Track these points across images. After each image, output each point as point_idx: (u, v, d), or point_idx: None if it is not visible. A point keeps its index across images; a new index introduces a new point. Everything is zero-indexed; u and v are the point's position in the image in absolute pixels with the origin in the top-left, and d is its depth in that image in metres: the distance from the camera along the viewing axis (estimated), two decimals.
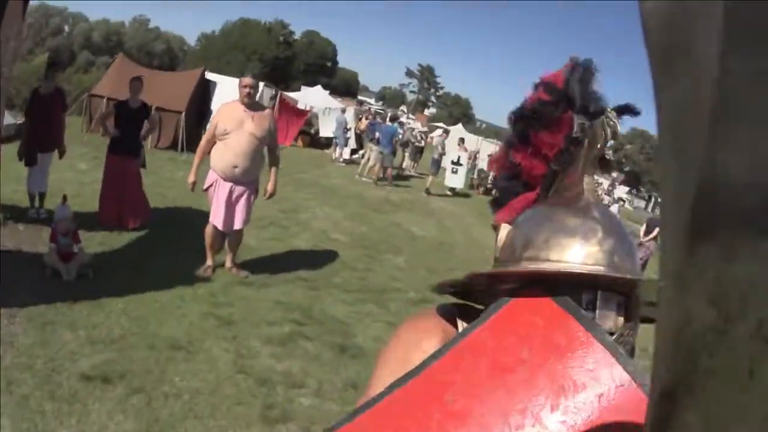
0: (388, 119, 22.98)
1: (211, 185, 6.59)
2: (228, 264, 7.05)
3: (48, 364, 4.43)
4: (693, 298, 0.64)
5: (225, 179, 6.53)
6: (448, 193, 21.64)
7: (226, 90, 20.64)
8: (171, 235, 7.82)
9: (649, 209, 61.17)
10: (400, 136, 22.14)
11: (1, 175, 7.00)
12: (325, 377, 4.93)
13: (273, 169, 7.13)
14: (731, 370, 0.60)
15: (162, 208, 8.82)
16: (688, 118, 0.61)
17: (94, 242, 7.09)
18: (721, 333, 0.61)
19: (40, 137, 7.78)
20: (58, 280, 5.91)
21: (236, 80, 22.79)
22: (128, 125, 7.96)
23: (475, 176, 25.49)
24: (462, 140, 23.60)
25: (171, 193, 9.92)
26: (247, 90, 6.55)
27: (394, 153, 20.66)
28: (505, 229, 1.47)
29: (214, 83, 19.57)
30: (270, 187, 7.10)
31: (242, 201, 6.70)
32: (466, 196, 22.22)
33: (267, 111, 7.10)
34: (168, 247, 7.25)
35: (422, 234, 12.52)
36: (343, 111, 22.66)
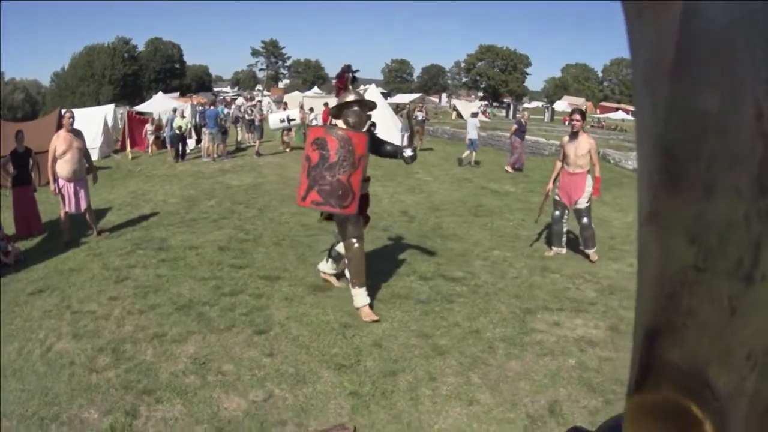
0: (212, 105, 24.54)
1: (62, 187, 10.26)
2: (95, 233, 10.74)
3: None
4: (672, 237, 0.68)
5: (69, 181, 10.28)
6: (281, 149, 24.76)
7: (82, 120, 22.14)
8: (56, 232, 10.91)
9: (510, 117, 61.18)
10: (224, 116, 23.47)
11: None
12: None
13: (91, 167, 11.00)
14: (712, 309, 0.64)
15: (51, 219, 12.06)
16: (657, 57, 0.64)
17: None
18: (701, 271, 0.64)
19: None
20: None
21: (88, 110, 25.53)
22: (21, 165, 11.22)
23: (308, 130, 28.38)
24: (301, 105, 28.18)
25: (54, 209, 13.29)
26: (69, 121, 10.38)
27: (224, 131, 23.05)
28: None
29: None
30: (93, 178, 10.95)
31: (82, 191, 10.51)
32: (300, 148, 25.59)
33: (79, 131, 10.74)
34: (57, 239, 10.53)
35: (237, 183, 16.45)
36: (174, 110, 24.44)
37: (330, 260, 7.83)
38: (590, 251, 9.58)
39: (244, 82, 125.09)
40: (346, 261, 7.20)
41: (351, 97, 6.91)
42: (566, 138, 9.64)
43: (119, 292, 7.70)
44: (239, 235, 10.35)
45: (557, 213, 9.69)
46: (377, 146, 7.08)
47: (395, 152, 7.18)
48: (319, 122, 26.78)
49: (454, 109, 64.03)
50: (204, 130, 22.72)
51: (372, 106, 7.39)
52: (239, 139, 27.78)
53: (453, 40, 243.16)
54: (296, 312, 6.91)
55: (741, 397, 0.64)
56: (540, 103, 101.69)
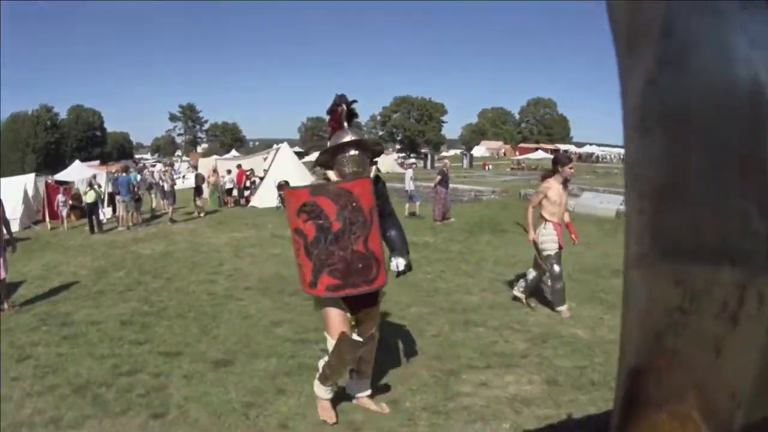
0: (124, 172, 23.51)
1: None
2: (6, 308, 10.45)
3: None
4: (659, 279, 0.69)
5: None
6: (195, 214, 24.50)
7: (6, 191, 21.26)
8: None
9: (428, 167, 62.29)
10: (136, 183, 22.97)
11: None
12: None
13: (11, 237, 10.88)
14: (697, 350, 0.65)
15: None
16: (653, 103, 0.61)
17: None
18: (686, 313, 0.65)
19: None
20: None
21: (8, 179, 24.86)
22: None
23: (222, 194, 28.27)
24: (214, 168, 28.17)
25: None
26: None
27: (138, 199, 22.54)
28: None
29: None
30: (12, 249, 10.85)
31: (1, 260, 10.31)
32: (215, 212, 25.66)
33: None
34: None
35: (148, 252, 16.18)
36: (94, 177, 24.06)
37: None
38: (524, 295, 9.20)
39: (164, 147, 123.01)
40: (329, 351, 5.47)
41: (347, 137, 5.15)
42: (551, 185, 8.69)
43: (20, 372, 7.49)
44: (143, 308, 10.19)
45: (558, 269, 8.59)
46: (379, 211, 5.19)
47: (392, 246, 5.53)
48: (232, 185, 27.05)
49: None
50: (117, 198, 22.33)
51: (378, 150, 5.60)
52: (154, 206, 27.38)
53: (367, 94, 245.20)
54: (196, 391, 6.41)
55: None
56: (458, 151, 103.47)
